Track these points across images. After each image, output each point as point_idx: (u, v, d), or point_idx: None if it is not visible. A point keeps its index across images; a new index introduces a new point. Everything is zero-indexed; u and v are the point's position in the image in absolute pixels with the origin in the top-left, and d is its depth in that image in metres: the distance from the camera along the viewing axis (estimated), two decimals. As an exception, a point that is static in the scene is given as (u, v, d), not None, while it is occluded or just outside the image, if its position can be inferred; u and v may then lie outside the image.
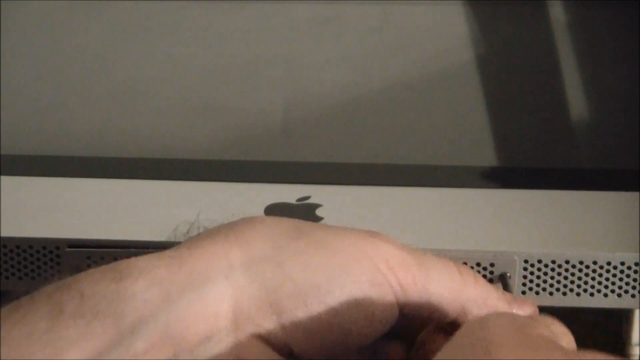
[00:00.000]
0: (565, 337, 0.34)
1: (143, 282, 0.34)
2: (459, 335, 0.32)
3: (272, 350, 0.35)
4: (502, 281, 0.47)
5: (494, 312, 0.35)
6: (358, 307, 0.35)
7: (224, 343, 0.34)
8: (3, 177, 0.53)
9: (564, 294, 0.48)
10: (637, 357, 0.52)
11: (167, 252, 0.35)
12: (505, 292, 0.40)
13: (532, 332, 0.31)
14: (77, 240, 0.48)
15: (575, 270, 0.48)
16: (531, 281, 0.48)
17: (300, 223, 0.38)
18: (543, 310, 0.44)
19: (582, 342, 0.35)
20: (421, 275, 0.37)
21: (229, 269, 0.35)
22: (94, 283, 0.34)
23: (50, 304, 0.33)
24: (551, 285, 0.48)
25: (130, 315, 0.33)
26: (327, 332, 0.35)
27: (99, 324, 0.33)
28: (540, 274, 0.48)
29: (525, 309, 0.39)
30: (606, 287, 0.48)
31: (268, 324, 0.35)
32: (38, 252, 0.49)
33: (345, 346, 0.36)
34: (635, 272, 0.47)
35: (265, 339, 0.35)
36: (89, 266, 0.46)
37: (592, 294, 0.48)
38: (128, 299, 0.33)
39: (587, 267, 0.47)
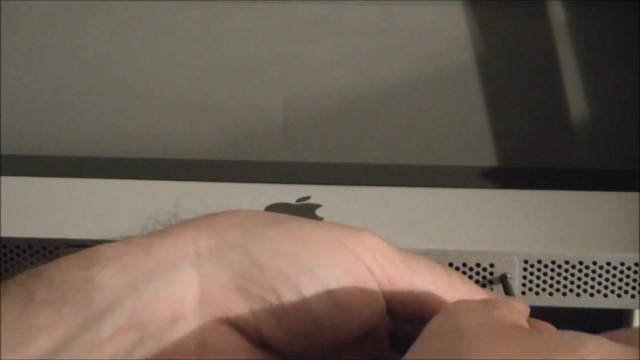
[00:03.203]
0: (522, 316, 0.34)
1: (110, 269, 0.34)
2: (430, 325, 0.32)
3: (240, 335, 0.35)
4: (502, 282, 0.47)
5: (462, 300, 0.35)
6: (329, 296, 0.35)
7: (190, 328, 0.35)
8: (3, 177, 0.53)
9: (564, 294, 0.48)
10: (637, 357, 0.52)
11: (137, 240, 0.36)
12: (492, 294, 0.40)
13: (501, 317, 0.32)
14: (77, 240, 0.48)
15: (575, 271, 0.48)
16: (531, 281, 0.48)
17: (278, 215, 0.38)
18: (543, 310, 0.44)
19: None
20: (407, 269, 0.37)
21: (196, 255, 0.35)
22: (63, 271, 0.34)
23: (21, 293, 0.34)
24: (551, 286, 0.48)
25: (98, 301, 0.34)
26: (296, 318, 0.35)
27: (67, 311, 0.33)
28: (540, 274, 0.48)
29: None
30: (606, 287, 0.48)
31: (236, 307, 0.35)
32: (38, 252, 0.49)
33: (321, 337, 0.36)
34: (635, 272, 0.47)
35: (235, 325, 0.35)
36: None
37: (591, 294, 0.48)
38: (96, 286, 0.34)
39: (587, 267, 0.47)
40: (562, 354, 0.29)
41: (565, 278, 0.48)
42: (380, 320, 0.37)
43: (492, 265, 0.47)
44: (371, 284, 0.36)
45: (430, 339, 0.31)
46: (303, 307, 0.35)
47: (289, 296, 0.35)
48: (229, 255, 0.35)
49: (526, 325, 0.33)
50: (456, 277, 0.38)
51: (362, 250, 0.36)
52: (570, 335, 0.30)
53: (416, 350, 0.31)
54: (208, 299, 0.35)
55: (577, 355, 0.29)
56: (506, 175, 0.54)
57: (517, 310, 0.34)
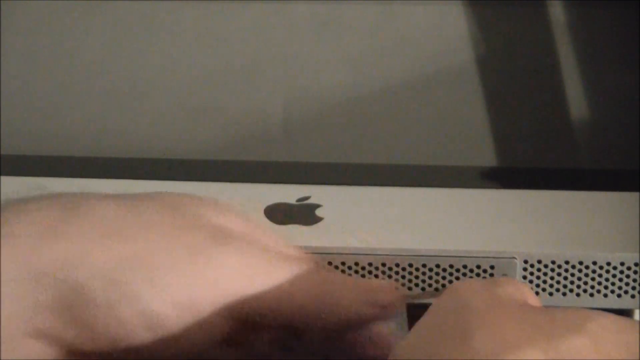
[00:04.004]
0: (530, 294, 0.34)
1: None
2: (437, 302, 0.32)
3: (49, 346, 0.35)
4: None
5: (467, 279, 0.35)
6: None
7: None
8: (3, 177, 0.53)
9: (564, 294, 0.48)
10: (637, 357, 0.52)
11: None
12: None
13: (505, 295, 0.32)
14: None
15: (575, 271, 0.48)
16: (531, 282, 0.48)
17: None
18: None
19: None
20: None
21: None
22: None
23: None
24: (551, 286, 0.48)
25: None
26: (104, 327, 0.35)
27: None
28: (540, 274, 0.48)
29: None
30: (606, 287, 0.48)
31: (46, 323, 0.35)
32: (38, 252, 0.48)
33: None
34: (635, 272, 0.47)
35: (43, 337, 0.35)
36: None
37: (591, 295, 0.48)
38: None
39: (587, 267, 0.47)
40: (570, 330, 0.29)
41: (565, 278, 0.48)
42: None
43: (492, 267, 0.47)
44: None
45: (437, 315, 0.32)
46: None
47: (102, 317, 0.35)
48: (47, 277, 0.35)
49: (532, 302, 0.33)
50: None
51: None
52: (577, 312, 0.30)
53: (423, 326, 0.31)
54: (15, 316, 0.35)
55: (586, 330, 0.29)
56: (506, 175, 0.54)
57: (523, 288, 0.34)
